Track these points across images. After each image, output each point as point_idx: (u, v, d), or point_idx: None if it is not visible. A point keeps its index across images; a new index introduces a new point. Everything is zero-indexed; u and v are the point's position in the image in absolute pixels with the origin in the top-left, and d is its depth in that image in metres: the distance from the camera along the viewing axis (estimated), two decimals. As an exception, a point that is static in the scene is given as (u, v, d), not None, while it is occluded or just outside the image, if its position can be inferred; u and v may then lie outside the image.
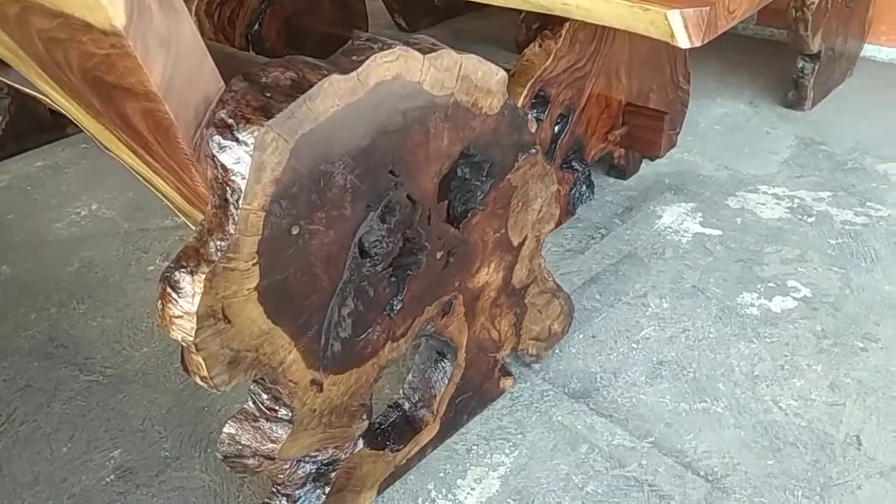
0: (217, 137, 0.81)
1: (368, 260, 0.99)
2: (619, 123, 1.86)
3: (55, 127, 2.33)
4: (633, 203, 1.91)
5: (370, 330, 1.03)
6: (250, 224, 0.83)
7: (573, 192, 1.83)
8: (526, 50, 1.58)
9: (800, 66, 2.23)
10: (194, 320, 0.83)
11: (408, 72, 0.92)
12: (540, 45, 1.57)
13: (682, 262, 1.68)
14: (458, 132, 1.02)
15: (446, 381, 1.22)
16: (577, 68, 1.65)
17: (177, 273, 0.83)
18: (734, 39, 2.76)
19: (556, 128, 1.68)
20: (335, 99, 0.86)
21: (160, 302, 0.85)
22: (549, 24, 1.58)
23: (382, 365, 1.08)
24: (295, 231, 0.88)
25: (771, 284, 1.60)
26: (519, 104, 1.54)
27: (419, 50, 0.93)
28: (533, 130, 1.14)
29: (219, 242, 0.82)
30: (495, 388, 1.34)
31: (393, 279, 1.04)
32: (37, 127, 2.29)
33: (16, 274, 1.78)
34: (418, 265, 1.06)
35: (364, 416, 1.10)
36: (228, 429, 1.00)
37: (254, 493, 1.21)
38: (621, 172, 2.01)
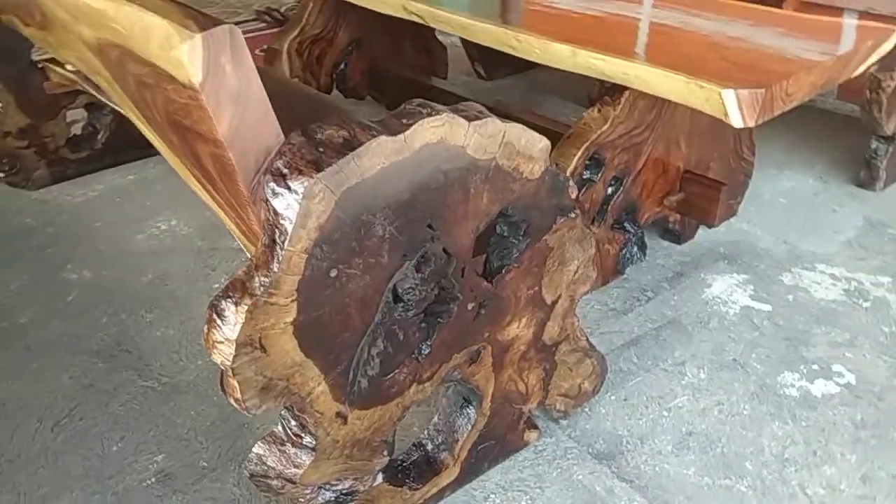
0: (272, 184, 0.90)
1: (401, 305, 1.06)
2: (675, 189, 1.87)
3: (148, 145, 2.52)
4: (685, 269, 1.91)
5: (397, 371, 1.09)
6: (293, 264, 0.91)
7: (623, 252, 1.85)
8: (584, 113, 1.63)
9: (873, 146, 2.19)
10: (233, 347, 0.91)
11: (452, 136, 0.99)
12: (599, 110, 1.62)
13: (726, 333, 1.67)
14: (498, 193, 1.08)
15: (469, 428, 1.26)
16: (635, 134, 1.69)
17: (223, 302, 0.92)
18: (811, 112, 2.73)
19: (610, 189, 1.72)
20: (381, 158, 0.94)
21: (206, 326, 0.94)
22: (615, 87, 1.63)
23: (407, 405, 1.14)
24: (333, 273, 0.96)
25: (815, 367, 1.57)
26: (572, 165, 1.59)
27: (465, 117, 1.00)
28: (573, 196, 1.19)
29: (263, 278, 0.91)
30: (519, 439, 1.37)
31: (423, 325, 1.10)
32: (132, 143, 2.47)
33: (96, 279, 1.94)
34: (449, 314, 1.12)
35: (385, 452, 1.16)
36: (257, 449, 1.07)
37: (279, 512, 1.28)
38: (676, 237, 2.02)
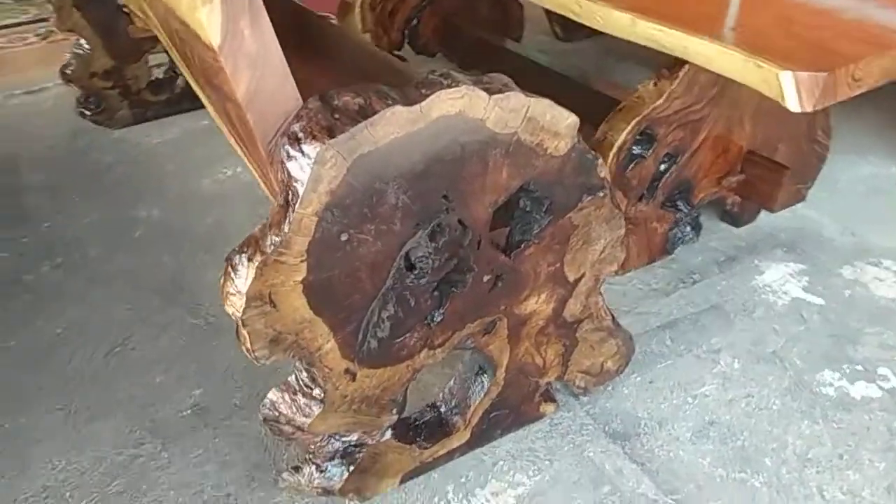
0: (287, 147, 0.93)
1: (413, 272, 1.08)
2: (736, 170, 1.80)
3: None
4: (738, 253, 1.84)
5: (407, 335, 1.12)
6: (303, 226, 0.94)
7: (674, 231, 1.80)
8: (639, 86, 1.58)
9: (969, 135, 2.02)
10: (244, 300, 0.96)
11: (471, 109, 0.99)
12: (655, 84, 1.57)
13: (770, 324, 1.62)
14: (519, 168, 1.07)
15: (482, 395, 1.29)
16: (693, 110, 1.62)
17: (237, 256, 0.97)
18: (910, 93, 2.52)
19: (662, 166, 1.66)
20: (395, 127, 0.94)
21: (222, 278, 0.99)
22: (678, 59, 1.56)
23: (417, 368, 1.17)
24: (344, 238, 0.98)
25: (859, 367, 1.50)
26: (620, 139, 1.55)
27: (487, 90, 1.00)
28: (602, 175, 1.16)
29: (274, 237, 0.95)
30: (534, 411, 1.39)
31: (436, 293, 1.11)
32: (208, 90, 2.58)
33: (162, 219, 2.05)
34: (463, 284, 1.13)
35: (394, 411, 1.20)
36: (271, 395, 1.13)
37: (297, 454, 1.35)
38: (734, 220, 1.94)
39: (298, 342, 1.03)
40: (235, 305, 0.97)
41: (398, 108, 0.94)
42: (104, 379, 1.54)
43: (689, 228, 1.83)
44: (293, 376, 1.13)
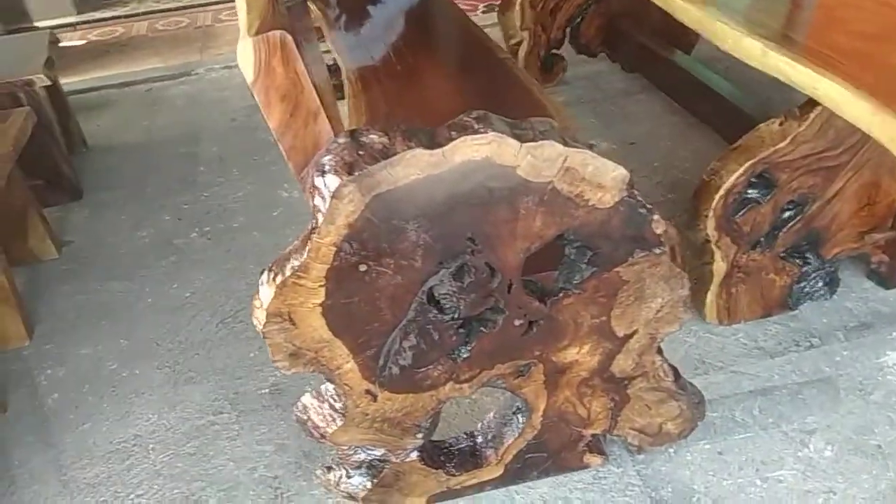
0: (313, 178, 0.97)
1: (436, 308, 1.08)
2: (885, 226, 1.55)
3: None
4: (875, 320, 1.60)
5: (431, 366, 1.13)
6: (321, 254, 0.98)
7: (799, 286, 1.61)
8: (761, 125, 1.42)
9: None
10: (264, 316, 1.02)
11: (499, 156, 0.96)
12: (780, 124, 1.40)
13: (884, 412, 1.40)
14: (556, 217, 1.02)
15: (516, 435, 1.26)
16: (828, 156, 1.42)
17: (266, 273, 1.03)
18: None
19: (785, 214, 1.49)
20: (416, 169, 0.95)
21: (256, 291, 1.06)
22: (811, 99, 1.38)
23: (442, 399, 1.18)
24: (363, 269, 1.01)
25: None
26: (730, 182, 1.41)
27: (519, 136, 0.96)
28: (659, 232, 1.07)
29: (294, 261, 1.00)
30: (577, 460, 1.33)
31: (462, 330, 1.11)
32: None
33: (300, 201, 2.22)
34: (493, 325, 1.11)
35: (419, 435, 1.22)
36: (305, 399, 1.20)
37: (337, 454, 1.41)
38: (883, 280, 1.68)
39: (318, 359, 1.08)
40: (258, 319, 1.04)
41: (418, 150, 0.94)
42: (209, 346, 1.72)
43: (820, 283, 1.62)
44: (325, 385, 1.18)
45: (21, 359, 1.72)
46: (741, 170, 1.40)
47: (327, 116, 1.00)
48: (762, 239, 1.51)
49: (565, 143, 0.98)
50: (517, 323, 1.12)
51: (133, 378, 1.64)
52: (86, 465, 1.45)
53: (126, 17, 3.97)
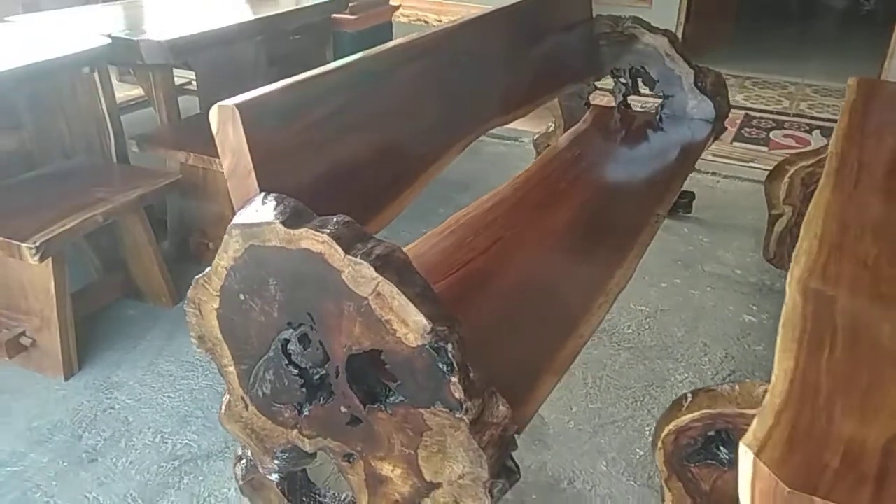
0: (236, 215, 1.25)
1: (288, 359, 1.25)
2: None
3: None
4: None
5: (283, 406, 1.30)
6: (218, 272, 1.25)
7: None
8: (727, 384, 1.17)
9: None
10: (188, 302, 1.33)
11: (330, 257, 1.10)
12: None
13: None
14: (371, 332, 1.11)
15: (345, 515, 1.34)
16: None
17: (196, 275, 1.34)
18: None
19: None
20: (275, 238, 1.15)
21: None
22: None
23: (293, 441, 1.33)
24: (242, 297, 1.25)
25: None
26: (673, 424, 1.21)
27: (346, 248, 1.08)
28: (458, 396, 1.06)
29: (208, 269, 1.29)
30: (394, 576, 1.33)
31: (304, 390, 1.25)
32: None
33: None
34: (325, 400, 1.23)
35: (275, 462, 1.39)
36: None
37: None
38: None
39: (214, 351, 1.35)
40: (189, 302, 1.35)
41: (278, 224, 1.14)
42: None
43: None
44: (242, 381, 1.44)
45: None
46: (686, 419, 1.18)
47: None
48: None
49: (379, 271, 1.06)
50: (342, 410, 1.22)
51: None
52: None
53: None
